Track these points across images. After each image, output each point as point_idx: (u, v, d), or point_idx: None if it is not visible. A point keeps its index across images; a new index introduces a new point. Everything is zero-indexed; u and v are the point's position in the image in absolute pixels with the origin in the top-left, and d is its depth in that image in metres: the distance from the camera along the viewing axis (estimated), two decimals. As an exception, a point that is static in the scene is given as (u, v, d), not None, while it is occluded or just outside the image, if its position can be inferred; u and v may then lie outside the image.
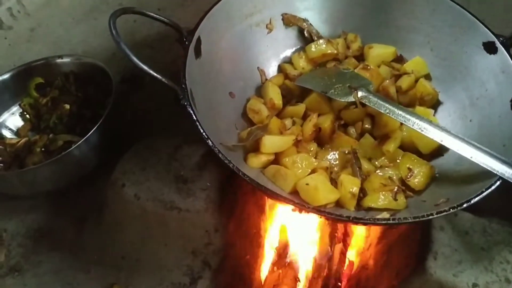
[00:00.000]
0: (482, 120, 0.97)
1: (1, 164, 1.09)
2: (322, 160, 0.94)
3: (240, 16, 1.06)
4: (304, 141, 0.97)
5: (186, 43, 0.93)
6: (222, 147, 0.85)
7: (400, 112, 0.90)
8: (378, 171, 0.94)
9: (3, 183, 1.04)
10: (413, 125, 0.88)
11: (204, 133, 0.82)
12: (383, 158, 0.96)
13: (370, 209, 0.88)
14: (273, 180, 0.89)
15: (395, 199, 0.87)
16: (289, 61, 1.14)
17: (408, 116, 0.89)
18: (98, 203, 1.05)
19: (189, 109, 0.84)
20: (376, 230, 1.05)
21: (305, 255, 1.09)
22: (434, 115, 1.03)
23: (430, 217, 0.78)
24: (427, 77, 1.08)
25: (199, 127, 0.83)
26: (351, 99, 0.97)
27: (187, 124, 0.83)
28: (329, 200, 0.86)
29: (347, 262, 1.09)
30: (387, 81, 1.05)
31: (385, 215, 0.84)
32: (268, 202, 1.09)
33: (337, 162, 0.95)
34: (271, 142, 0.91)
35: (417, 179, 0.92)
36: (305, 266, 1.09)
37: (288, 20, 1.13)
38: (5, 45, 1.24)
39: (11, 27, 1.24)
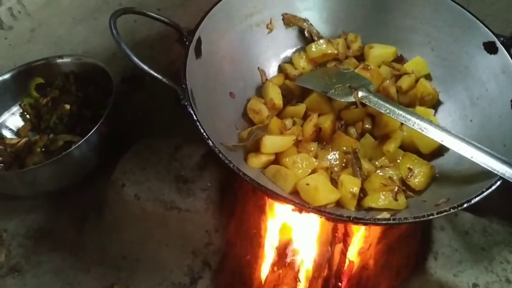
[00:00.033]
0: (482, 120, 0.97)
1: (2, 164, 1.09)
2: (323, 160, 0.94)
3: (240, 16, 1.06)
4: (304, 141, 0.97)
5: (187, 43, 0.93)
6: (223, 147, 0.85)
7: (401, 112, 0.90)
8: (378, 171, 0.94)
9: (3, 183, 1.04)
10: (413, 125, 0.88)
11: (204, 133, 0.82)
12: (383, 158, 0.96)
13: (370, 209, 0.88)
14: (274, 180, 0.89)
15: (396, 199, 0.87)
16: (289, 61, 1.14)
17: (408, 116, 0.89)
18: (98, 203, 1.05)
19: (190, 109, 0.84)
20: (376, 230, 1.05)
21: (305, 255, 1.09)
22: (434, 115, 1.03)
23: (431, 217, 0.78)
24: (428, 77, 1.08)
25: (200, 127, 0.83)
26: (352, 99, 0.97)
27: (188, 124, 0.83)
28: (329, 200, 0.86)
29: (347, 262, 1.09)
30: (388, 81, 1.05)
31: (386, 215, 0.84)
32: (269, 202, 1.08)
33: (338, 162, 0.95)
34: (271, 142, 0.91)
35: (418, 179, 0.91)
36: (305, 266, 1.09)
37: (289, 20, 1.13)
38: (5, 45, 1.24)
39: (12, 27, 1.24)
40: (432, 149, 0.96)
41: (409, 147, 0.97)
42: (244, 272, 1.06)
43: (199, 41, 0.95)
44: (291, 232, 1.10)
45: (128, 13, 0.92)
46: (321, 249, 1.06)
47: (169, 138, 1.05)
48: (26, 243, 1.06)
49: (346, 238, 1.10)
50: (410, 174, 0.92)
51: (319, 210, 0.81)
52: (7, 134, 1.15)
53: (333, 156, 0.96)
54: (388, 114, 0.92)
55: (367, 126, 1.00)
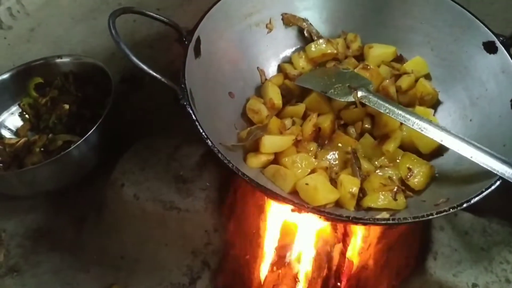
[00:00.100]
0: (482, 120, 0.97)
1: (1, 164, 1.09)
2: (322, 160, 0.94)
3: (239, 16, 1.06)
4: (303, 141, 0.96)
5: (186, 43, 0.93)
6: (222, 147, 0.85)
7: (400, 112, 0.90)
8: (378, 171, 0.94)
9: (2, 183, 1.04)
10: (413, 125, 0.88)
11: (203, 133, 0.82)
12: (383, 158, 0.96)
13: (369, 209, 0.88)
14: (273, 180, 0.89)
15: (395, 199, 0.87)
16: (289, 61, 1.14)
17: (408, 116, 0.89)
18: (97, 203, 1.05)
19: (189, 109, 0.84)
20: (375, 230, 1.05)
21: (305, 255, 1.09)
22: (434, 115, 1.03)
23: (430, 217, 0.78)
24: (427, 76, 1.08)
25: (199, 127, 0.82)
26: (351, 99, 0.97)
27: (187, 124, 0.83)
28: (328, 200, 0.86)
29: (346, 262, 1.09)
30: (387, 81, 1.05)
31: (385, 215, 0.84)
32: (268, 202, 1.08)
33: (337, 162, 0.95)
34: (270, 142, 0.91)
35: (417, 179, 0.91)
36: (304, 266, 1.09)
37: (288, 20, 1.12)
38: (4, 45, 1.24)
39: (11, 27, 1.23)
40: (431, 149, 0.96)
41: (408, 147, 0.97)
42: (244, 272, 1.06)
43: (198, 40, 0.95)
44: (290, 232, 1.10)
45: (127, 13, 0.91)
46: (321, 249, 1.06)
47: (168, 138, 1.05)
48: (25, 243, 1.06)
49: (345, 238, 1.10)
50: (409, 174, 0.92)
51: (318, 210, 0.81)
52: (6, 134, 1.15)
53: (332, 156, 0.96)
54: (388, 114, 0.91)
55: (366, 126, 1.00)
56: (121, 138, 1.09)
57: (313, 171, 0.90)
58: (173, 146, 1.03)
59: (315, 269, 1.06)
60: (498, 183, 0.79)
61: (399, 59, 1.12)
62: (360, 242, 1.10)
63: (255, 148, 0.92)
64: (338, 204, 0.88)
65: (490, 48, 0.98)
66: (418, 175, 0.91)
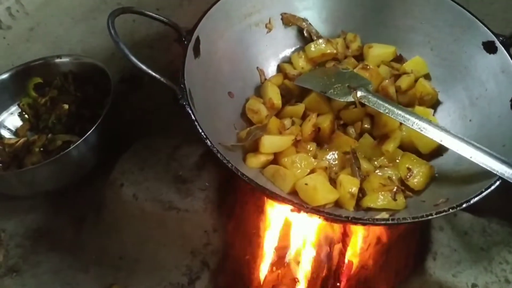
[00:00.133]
0: (481, 120, 0.97)
1: (0, 164, 1.08)
2: (321, 160, 0.94)
3: (239, 16, 1.06)
4: (303, 141, 0.96)
5: (185, 42, 0.92)
6: (221, 147, 0.85)
7: (400, 112, 0.90)
8: (377, 171, 0.94)
9: (1, 183, 1.03)
10: (412, 125, 0.88)
11: (202, 133, 0.82)
12: (382, 158, 0.96)
13: (369, 209, 0.88)
14: (272, 180, 0.89)
15: (394, 199, 0.87)
16: (288, 60, 1.14)
17: (407, 116, 0.89)
18: (96, 203, 1.05)
19: (188, 109, 0.84)
20: (375, 230, 1.05)
21: (304, 255, 1.09)
22: (433, 115, 1.03)
23: (430, 217, 0.77)
24: (427, 76, 1.08)
25: (198, 127, 0.82)
26: (351, 99, 0.97)
27: (186, 124, 0.83)
28: (328, 200, 0.85)
29: (346, 262, 1.09)
30: (387, 81, 1.05)
31: (384, 215, 0.84)
32: (267, 202, 1.08)
33: (336, 162, 0.95)
34: (270, 142, 0.91)
35: (417, 179, 0.91)
36: (304, 266, 1.09)
37: (288, 20, 1.12)
38: (4, 45, 1.24)
39: (10, 26, 1.23)
40: (431, 149, 0.96)
41: (408, 147, 0.97)
42: (243, 272, 1.06)
43: (197, 40, 0.94)
44: (290, 232, 1.10)
45: (126, 13, 0.91)
46: (320, 249, 1.06)
47: (167, 138, 1.05)
48: (25, 243, 1.06)
49: (345, 238, 1.10)
50: (409, 174, 0.92)
51: (317, 210, 0.81)
52: (5, 134, 1.15)
53: (332, 156, 0.96)
54: (387, 114, 0.91)
55: (366, 126, 1.00)
56: (120, 138, 1.09)
57: (312, 171, 0.90)
58: (173, 146, 1.03)
59: (314, 269, 1.06)
60: (497, 183, 0.79)
61: (399, 59, 1.12)
62: (359, 242, 1.10)
63: (255, 148, 0.92)
64: (337, 204, 0.88)
65: (490, 48, 0.98)
66: (417, 175, 0.91)
